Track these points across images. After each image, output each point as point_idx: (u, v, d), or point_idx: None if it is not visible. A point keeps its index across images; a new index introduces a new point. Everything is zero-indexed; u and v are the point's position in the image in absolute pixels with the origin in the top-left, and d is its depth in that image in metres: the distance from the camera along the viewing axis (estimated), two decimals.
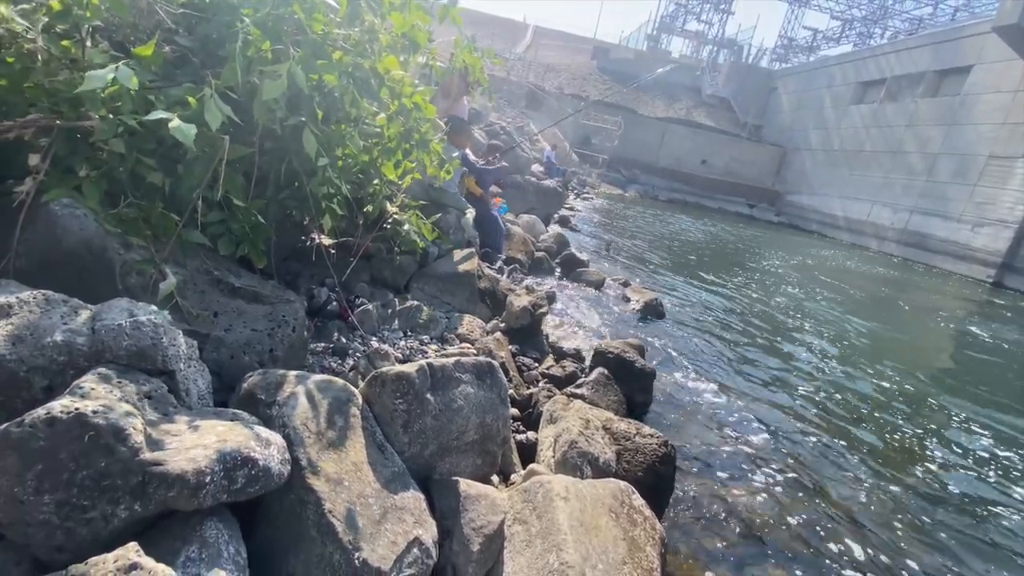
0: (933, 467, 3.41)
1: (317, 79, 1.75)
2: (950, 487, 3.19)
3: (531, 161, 12.11)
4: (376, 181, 2.52)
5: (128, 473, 0.96)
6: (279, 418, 1.31)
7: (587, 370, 3.18)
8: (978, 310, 10.89)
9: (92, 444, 0.95)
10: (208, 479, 0.99)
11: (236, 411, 1.28)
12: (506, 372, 2.60)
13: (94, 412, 0.97)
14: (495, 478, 1.92)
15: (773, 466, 3.00)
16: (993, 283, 15.30)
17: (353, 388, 1.53)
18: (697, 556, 2.19)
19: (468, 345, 2.67)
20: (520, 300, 3.33)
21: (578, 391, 2.80)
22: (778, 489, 2.79)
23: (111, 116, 1.35)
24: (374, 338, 2.41)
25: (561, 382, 2.95)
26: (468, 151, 4.81)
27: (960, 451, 3.72)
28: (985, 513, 2.99)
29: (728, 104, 32.71)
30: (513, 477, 2.01)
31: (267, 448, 1.13)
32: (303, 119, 1.74)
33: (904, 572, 2.37)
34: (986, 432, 4.15)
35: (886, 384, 4.85)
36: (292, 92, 1.64)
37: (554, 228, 8.12)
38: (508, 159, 5.80)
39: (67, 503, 0.93)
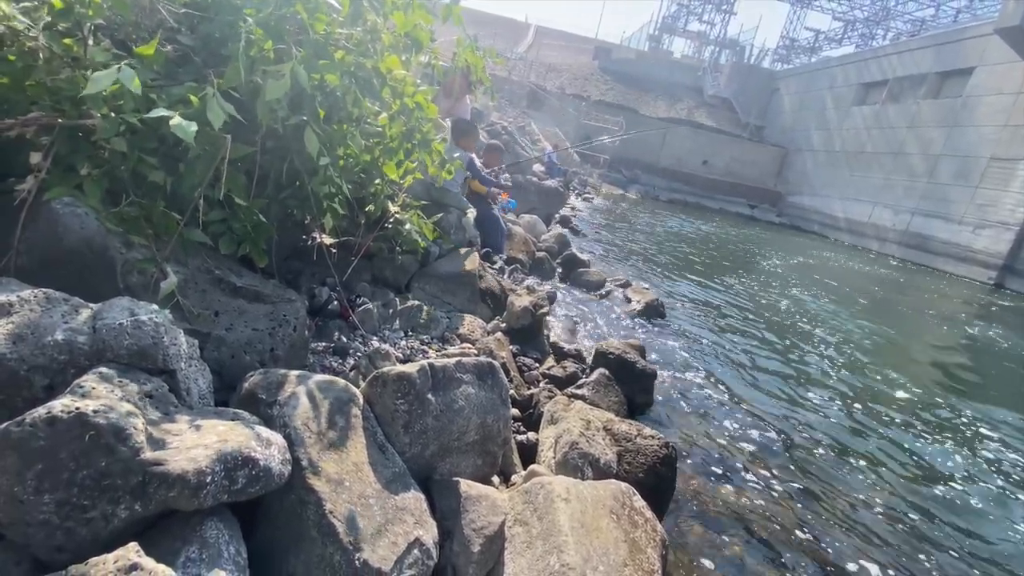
0: (934, 469, 3.40)
1: (319, 78, 1.75)
2: (951, 489, 3.19)
3: (532, 161, 12.11)
4: (378, 181, 2.52)
5: (128, 473, 0.95)
6: (280, 418, 1.31)
7: (588, 371, 3.18)
8: (979, 312, 10.88)
9: (92, 444, 0.95)
10: (209, 479, 0.99)
11: (237, 411, 1.28)
12: (507, 372, 2.60)
13: (95, 411, 0.97)
14: (496, 479, 1.92)
15: (775, 468, 2.99)
16: (994, 285, 15.29)
17: (354, 388, 1.53)
18: (698, 558, 2.18)
19: (469, 345, 2.66)
20: (521, 300, 3.32)
21: (579, 392, 2.79)
22: (780, 491, 2.79)
23: (113, 114, 1.35)
24: (375, 338, 2.40)
25: (562, 383, 2.95)
26: (475, 156, 4.81)
27: (961, 453, 3.72)
28: (986, 514, 2.99)
29: (730, 104, 32.68)
30: (514, 478, 2.01)
31: (268, 448, 1.13)
32: (305, 118, 1.73)
33: (904, 572, 2.37)
34: (986, 433, 4.14)
35: (887, 385, 4.84)
36: (294, 91, 1.64)
37: (555, 228, 8.12)
38: (496, 159, 5.77)
39: (67, 503, 0.93)
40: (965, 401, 4.85)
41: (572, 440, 2.07)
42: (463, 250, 3.47)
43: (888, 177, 21.20)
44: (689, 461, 2.86)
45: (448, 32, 2.32)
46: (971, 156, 17.60)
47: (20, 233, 1.38)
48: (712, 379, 4.08)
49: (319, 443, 1.31)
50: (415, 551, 1.28)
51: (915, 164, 20.05)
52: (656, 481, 2.19)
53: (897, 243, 19.72)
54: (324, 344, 2.20)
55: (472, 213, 3.91)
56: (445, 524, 1.47)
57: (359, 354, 2.17)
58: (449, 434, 1.62)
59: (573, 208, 12.01)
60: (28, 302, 1.19)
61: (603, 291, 5.59)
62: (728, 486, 2.73)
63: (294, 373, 1.47)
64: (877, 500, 2.90)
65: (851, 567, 2.34)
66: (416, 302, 2.74)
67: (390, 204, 2.75)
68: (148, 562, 0.87)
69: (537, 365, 3.17)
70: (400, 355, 2.29)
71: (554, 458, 2.08)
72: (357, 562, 1.15)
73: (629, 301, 5.44)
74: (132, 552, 0.88)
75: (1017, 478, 3.51)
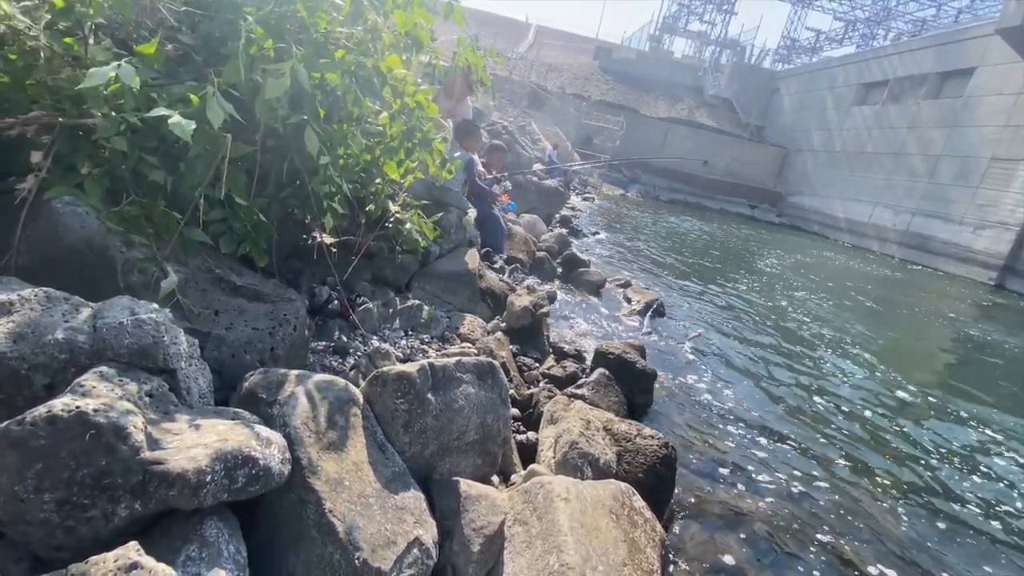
0: (934, 469, 3.40)
1: (319, 78, 1.75)
2: (951, 488, 3.19)
3: (532, 160, 12.11)
4: (378, 180, 2.52)
5: (129, 472, 0.96)
6: (280, 417, 1.31)
7: (588, 370, 3.18)
8: (979, 312, 10.87)
9: (93, 443, 0.95)
10: (209, 478, 0.99)
11: (237, 410, 1.28)
12: (507, 372, 2.60)
13: (95, 410, 0.97)
14: (495, 478, 1.92)
15: (774, 468, 3.00)
16: (995, 285, 15.27)
17: (354, 388, 1.53)
18: (697, 558, 2.18)
19: (469, 345, 2.67)
20: (521, 300, 3.33)
21: (579, 392, 2.79)
22: (779, 491, 2.79)
23: (113, 114, 1.35)
24: (375, 337, 2.40)
25: (562, 382, 2.95)
26: (475, 157, 4.78)
27: (963, 455, 3.72)
28: (986, 515, 2.98)
29: (730, 105, 32.65)
30: (513, 477, 2.01)
31: (268, 447, 1.13)
32: (305, 118, 1.73)
33: (904, 572, 2.37)
34: (985, 432, 4.14)
35: (887, 385, 4.84)
36: (294, 91, 1.64)
37: (555, 228, 8.12)
38: (499, 159, 5.74)
39: (67, 502, 0.93)
40: (964, 401, 4.85)
41: (572, 440, 2.07)
42: (463, 249, 3.47)
43: (888, 177, 21.18)
44: (689, 461, 2.86)
45: (449, 31, 2.32)
46: (972, 156, 17.58)
47: (21, 232, 1.38)
48: (712, 379, 4.08)
49: (319, 442, 1.31)
50: (415, 550, 1.28)
51: (915, 164, 20.03)
52: (656, 481, 2.19)
53: (897, 243, 19.70)
54: (324, 343, 2.20)
55: (472, 213, 3.91)
56: (445, 523, 1.47)
57: (359, 353, 2.17)
58: (449, 434, 1.62)
59: (573, 208, 12.01)
60: (28, 301, 1.19)
61: (603, 291, 5.59)
62: (727, 486, 2.73)
63: (294, 372, 1.47)
64: (876, 499, 2.90)
65: (850, 566, 2.34)
66: (416, 301, 2.74)
67: (390, 203, 2.76)
68: (148, 561, 0.87)
69: (537, 365, 3.17)
70: (400, 354, 2.29)
71: (554, 458, 2.08)
72: (357, 561, 1.15)
73: (629, 301, 5.44)
74: (132, 551, 0.88)
75: (1017, 478, 3.51)
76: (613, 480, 1.88)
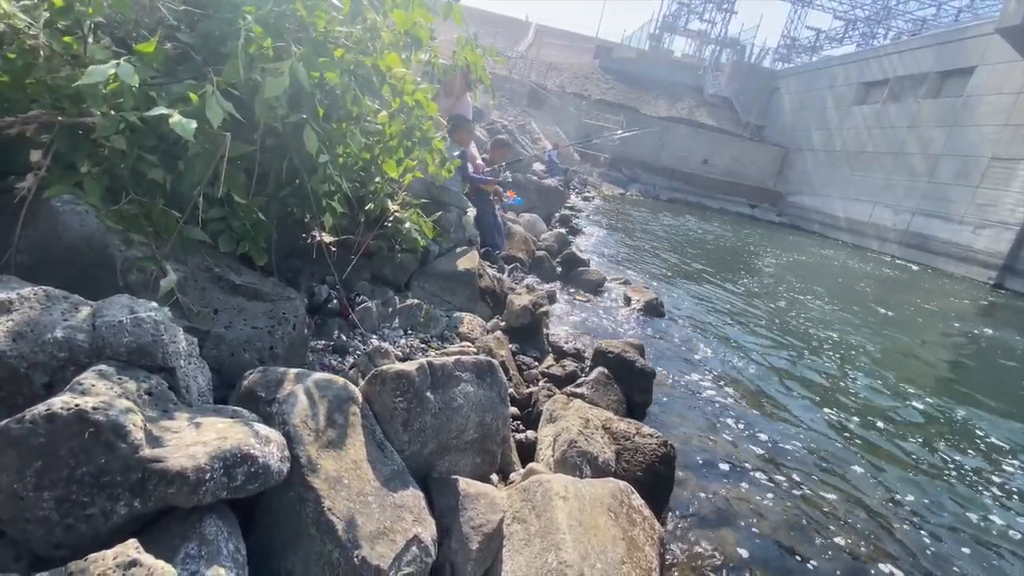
0: (933, 468, 3.41)
1: (319, 76, 1.75)
2: (950, 488, 3.19)
3: (532, 159, 12.10)
4: (377, 179, 2.52)
5: (128, 470, 0.96)
6: (279, 416, 1.32)
7: (587, 369, 3.18)
8: (978, 311, 10.88)
9: (92, 441, 0.95)
10: (208, 476, 0.99)
11: (236, 408, 1.29)
12: (506, 371, 2.60)
13: (94, 409, 0.97)
14: (494, 477, 1.92)
15: (773, 466, 3.00)
16: (994, 285, 15.28)
17: (353, 386, 1.53)
18: (696, 556, 2.19)
19: (468, 344, 2.67)
20: (520, 299, 3.33)
21: (578, 390, 2.80)
22: (778, 489, 2.79)
23: (113, 112, 1.35)
24: (374, 336, 2.41)
25: (561, 381, 2.95)
26: (473, 148, 4.76)
27: (964, 455, 3.72)
28: (987, 515, 2.99)
29: (730, 104, 32.62)
30: (512, 476, 2.02)
31: (266, 446, 1.13)
32: (304, 116, 1.73)
33: (903, 571, 2.37)
34: (985, 432, 4.15)
35: (885, 385, 4.84)
36: (294, 89, 1.64)
37: (555, 227, 8.12)
38: (504, 154, 5.73)
39: (67, 499, 0.93)
40: (964, 400, 4.85)
41: (571, 438, 2.08)
42: (462, 249, 3.47)
43: (888, 177, 21.18)
44: (688, 460, 2.86)
45: (449, 30, 2.32)
46: (972, 156, 17.57)
47: (20, 231, 1.39)
48: (711, 378, 4.08)
49: (318, 441, 1.32)
50: (413, 548, 1.28)
51: (916, 164, 20.02)
52: (654, 479, 2.19)
53: (897, 243, 19.70)
54: (323, 342, 2.20)
55: (472, 212, 3.91)
56: (444, 522, 1.47)
57: (358, 352, 2.17)
58: (448, 432, 1.62)
59: (573, 207, 12.00)
60: (28, 300, 1.19)
61: (603, 290, 5.60)
62: (726, 485, 2.73)
63: (293, 371, 1.47)
64: (876, 498, 2.91)
65: (850, 566, 2.34)
66: (416, 300, 2.74)
67: (390, 202, 2.76)
68: (147, 558, 0.88)
69: (536, 364, 3.17)
70: (399, 353, 2.29)
71: (553, 456, 2.08)
72: (356, 559, 1.16)
73: (629, 300, 5.45)
74: (131, 549, 0.89)
75: (1017, 479, 3.51)
76: (612, 478, 1.88)
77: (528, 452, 2.25)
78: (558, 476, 1.77)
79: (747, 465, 2.96)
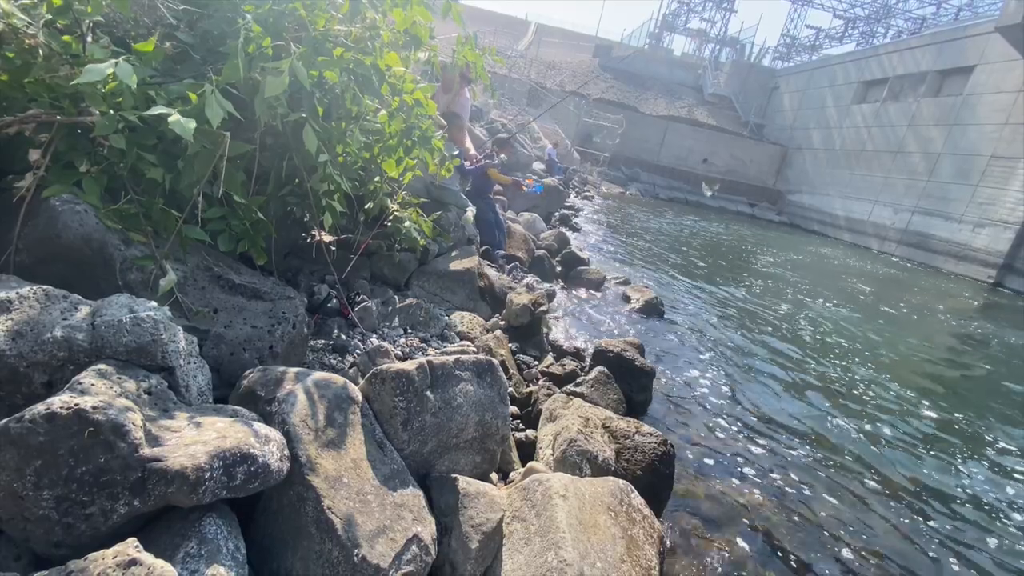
0: (932, 467, 3.41)
1: (318, 75, 1.75)
2: (952, 489, 3.20)
3: (532, 158, 12.09)
4: (377, 178, 2.52)
5: (127, 469, 0.96)
6: (279, 415, 1.32)
7: (587, 368, 3.18)
8: (978, 310, 10.88)
9: (92, 440, 0.95)
10: (207, 475, 0.99)
11: (236, 408, 1.29)
12: (506, 370, 2.60)
13: (94, 408, 0.97)
14: (494, 476, 1.93)
15: (773, 465, 3.00)
16: (994, 284, 15.28)
17: (353, 385, 1.54)
18: (695, 554, 2.19)
19: (468, 343, 2.67)
20: (520, 298, 3.33)
21: (578, 389, 2.80)
22: (777, 488, 2.79)
23: (112, 112, 1.35)
24: (374, 335, 2.41)
25: (561, 380, 2.95)
26: (468, 142, 4.75)
27: (963, 455, 3.72)
28: (988, 514, 2.99)
29: (730, 103, 32.61)
30: (512, 475, 2.02)
31: (266, 445, 1.13)
32: (304, 115, 1.73)
33: (903, 571, 2.38)
34: (987, 432, 4.15)
35: (885, 384, 4.85)
36: (293, 88, 1.63)
37: (555, 226, 8.12)
38: (507, 151, 5.71)
39: (66, 499, 0.93)
40: (963, 400, 4.86)
41: (571, 437, 2.08)
42: (462, 248, 3.47)
43: (888, 175, 21.18)
44: (687, 458, 2.87)
45: (448, 29, 2.31)
46: (971, 154, 17.57)
47: (19, 230, 1.38)
48: (711, 377, 4.08)
49: (318, 440, 1.32)
50: (413, 547, 1.28)
51: (915, 162, 20.02)
52: (654, 478, 2.20)
53: (897, 242, 19.71)
54: (323, 341, 2.20)
55: (471, 211, 3.91)
56: (443, 521, 1.47)
57: (358, 351, 2.17)
58: (448, 431, 1.62)
59: (573, 207, 12.00)
60: (27, 299, 1.19)
61: (602, 289, 5.60)
62: (726, 483, 2.74)
63: (293, 370, 1.47)
64: (875, 498, 2.91)
65: (849, 564, 2.35)
66: (415, 300, 2.74)
67: (389, 201, 2.76)
68: (147, 557, 0.88)
69: (536, 363, 3.17)
70: (399, 353, 2.29)
71: (552, 455, 2.08)
72: (355, 558, 1.16)
73: (628, 299, 5.45)
74: (131, 548, 0.89)
75: (1017, 479, 3.51)
76: (612, 477, 1.88)
77: (528, 451, 2.25)
78: (558, 475, 1.77)
79: (747, 464, 2.96)
